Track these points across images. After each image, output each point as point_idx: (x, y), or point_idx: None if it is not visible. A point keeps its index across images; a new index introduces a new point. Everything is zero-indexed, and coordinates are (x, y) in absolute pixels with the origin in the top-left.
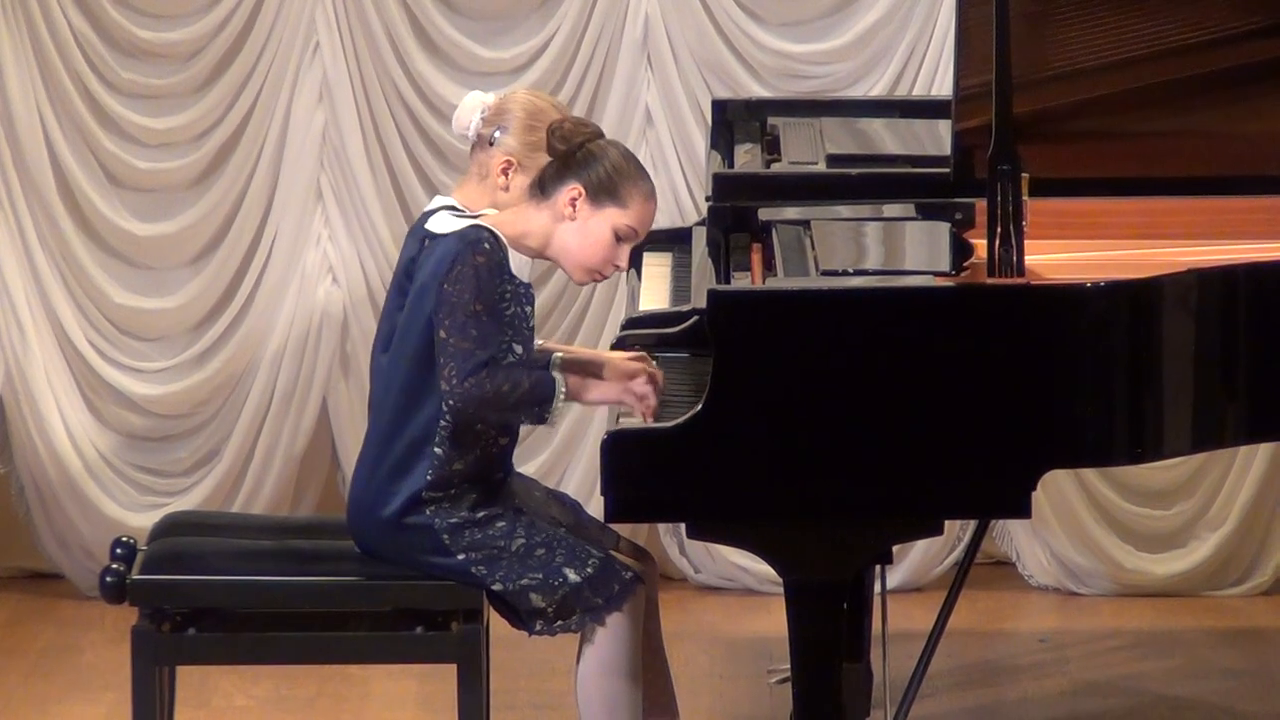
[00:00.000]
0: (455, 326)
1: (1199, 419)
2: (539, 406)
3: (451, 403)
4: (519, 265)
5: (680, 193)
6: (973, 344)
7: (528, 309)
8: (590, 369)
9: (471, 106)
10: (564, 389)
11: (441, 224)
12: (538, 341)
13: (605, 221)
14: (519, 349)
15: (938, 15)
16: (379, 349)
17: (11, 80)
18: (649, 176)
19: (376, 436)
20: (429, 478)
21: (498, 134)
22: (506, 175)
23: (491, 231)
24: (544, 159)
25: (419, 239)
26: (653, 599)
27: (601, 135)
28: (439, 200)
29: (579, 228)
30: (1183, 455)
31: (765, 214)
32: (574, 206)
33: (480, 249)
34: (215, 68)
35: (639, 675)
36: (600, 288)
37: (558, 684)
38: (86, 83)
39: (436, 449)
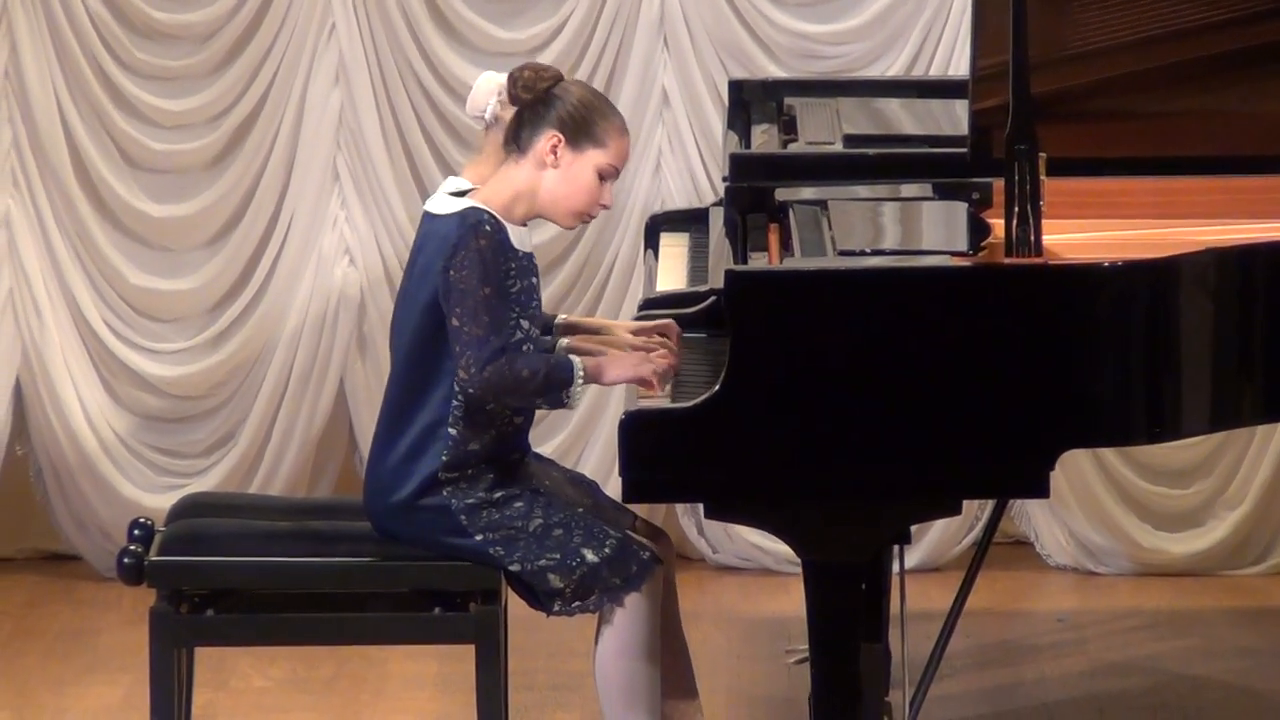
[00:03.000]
0: (467, 313)
1: (1217, 398)
2: (558, 392)
3: (471, 391)
4: (517, 237)
5: (697, 173)
6: (990, 324)
7: (533, 280)
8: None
9: (487, 89)
10: (582, 372)
11: (438, 204)
12: (561, 316)
13: (588, 164)
14: (526, 324)
15: None
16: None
17: (28, 62)
18: (618, 111)
19: (389, 418)
20: (444, 458)
21: None
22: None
23: (489, 212)
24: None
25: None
26: (670, 579)
27: (562, 78)
28: (453, 183)
29: (563, 174)
30: (1201, 434)
31: (782, 194)
32: (555, 154)
33: (482, 231)
34: (231, 49)
35: (657, 656)
36: (618, 269)
37: (576, 665)
38: (102, 64)
39: (450, 430)
